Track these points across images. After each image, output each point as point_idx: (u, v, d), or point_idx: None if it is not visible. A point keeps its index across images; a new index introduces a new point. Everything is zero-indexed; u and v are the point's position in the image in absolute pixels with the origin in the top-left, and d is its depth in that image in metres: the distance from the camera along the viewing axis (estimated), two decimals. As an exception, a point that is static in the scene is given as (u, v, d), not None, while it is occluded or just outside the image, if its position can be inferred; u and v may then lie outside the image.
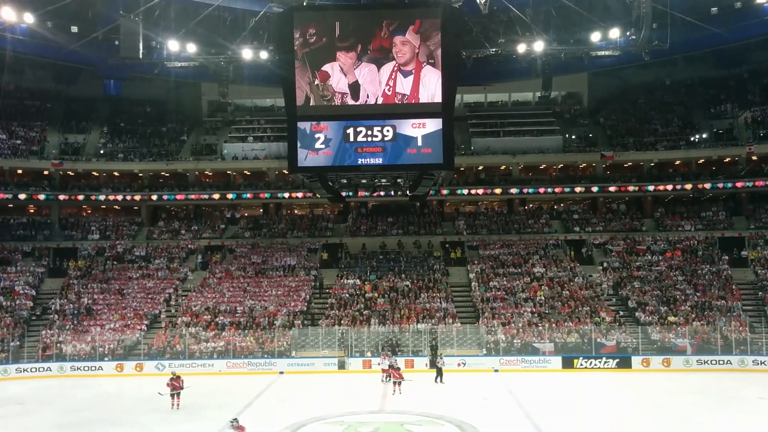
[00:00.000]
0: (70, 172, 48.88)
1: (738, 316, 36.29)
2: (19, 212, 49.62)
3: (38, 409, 26.69)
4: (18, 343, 36.44)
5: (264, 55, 32.94)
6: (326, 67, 23.26)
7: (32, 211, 50.39)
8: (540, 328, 35.74)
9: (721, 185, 45.74)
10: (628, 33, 32.40)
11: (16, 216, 49.01)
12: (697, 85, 52.17)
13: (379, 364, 31.30)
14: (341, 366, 34.22)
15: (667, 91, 53.26)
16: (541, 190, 47.83)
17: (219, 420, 23.60)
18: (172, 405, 25.51)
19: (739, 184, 45.44)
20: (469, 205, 51.59)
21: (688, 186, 46.00)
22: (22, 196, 46.75)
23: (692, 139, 48.28)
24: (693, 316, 36.42)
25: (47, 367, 34.70)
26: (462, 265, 43.70)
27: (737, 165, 46.63)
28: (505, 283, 40.48)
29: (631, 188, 47.18)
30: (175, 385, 25.66)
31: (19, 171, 48.13)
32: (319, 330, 36.07)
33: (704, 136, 48.05)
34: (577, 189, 47.73)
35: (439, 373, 30.46)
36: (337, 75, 23.38)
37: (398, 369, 28.13)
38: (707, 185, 45.73)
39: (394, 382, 27.67)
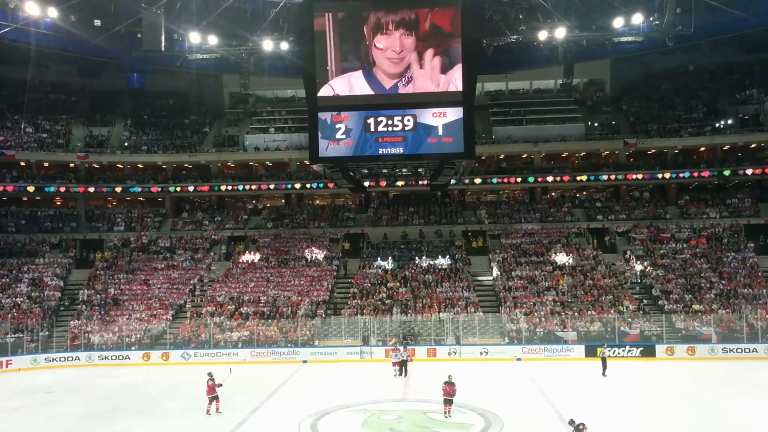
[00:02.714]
0: (95, 165, 49.49)
1: (764, 304, 35.83)
2: (47, 205, 50.48)
3: (67, 397, 27.24)
4: (47, 333, 37.12)
5: (284, 46, 33.03)
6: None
7: (59, 203, 51.22)
8: (563, 316, 35.63)
9: (748, 171, 45.08)
10: (651, 18, 31.97)
11: (44, 208, 49.88)
12: (721, 71, 51.39)
13: (398, 356, 30.25)
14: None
15: (691, 76, 52.54)
16: (564, 178, 47.45)
17: (243, 408, 23.99)
18: (208, 411, 23.64)
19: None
20: (490, 194, 51.46)
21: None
22: (48, 189, 47.54)
23: (717, 125, 47.59)
24: (718, 304, 36.06)
25: (75, 357, 35.33)
26: (484, 254, 43.65)
27: (763, 151, 45.90)
28: (527, 272, 40.36)
29: (654, 176, 46.63)
30: (212, 388, 23.96)
31: (46, 164, 48.99)
32: (342, 319, 36.30)
33: (729, 122, 47.38)
34: (600, 177, 47.30)
35: (604, 364, 29.37)
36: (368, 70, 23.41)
37: (453, 384, 22.60)
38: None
39: (446, 401, 22.41)
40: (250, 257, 43.67)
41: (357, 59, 22.99)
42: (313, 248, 43.50)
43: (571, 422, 17.69)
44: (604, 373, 29.02)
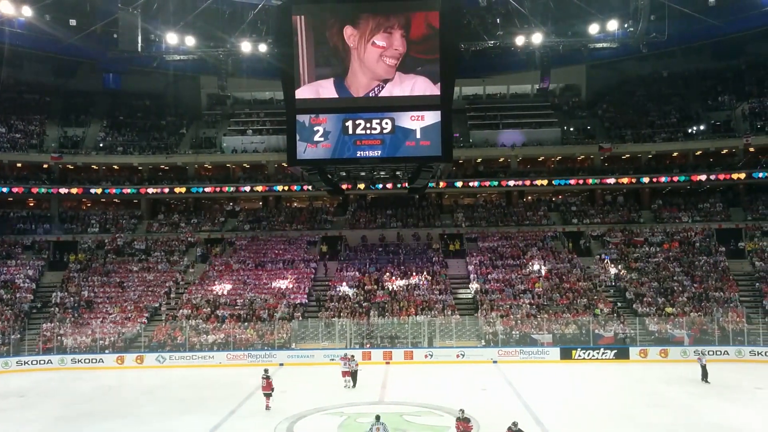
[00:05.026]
0: (69, 166, 48.89)
1: (735, 307, 36.45)
2: (19, 206, 49.70)
3: (39, 401, 26.89)
4: (19, 336, 36.61)
5: (263, 48, 32.89)
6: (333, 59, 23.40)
7: (32, 204, 50.50)
8: (538, 319, 35.91)
9: (721, 176, 45.78)
10: (626, 25, 32.37)
11: (16, 210, 49.09)
12: (694, 77, 52.19)
13: (347, 365, 28.69)
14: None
15: (664, 83, 53.27)
16: (540, 182, 47.86)
17: (219, 412, 23.85)
18: (267, 407, 24.14)
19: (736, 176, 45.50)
20: (467, 197, 51.72)
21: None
22: (21, 190, 46.86)
23: (690, 130, 48.31)
24: (690, 307, 36.60)
25: (48, 360, 34.86)
26: (461, 257, 43.84)
27: (735, 156, 46.71)
28: (503, 275, 40.62)
29: (628, 180, 47.22)
30: (268, 385, 24.41)
31: (19, 164, 48.24)
32: (319, 322, 36.24)
33: (702, 127, 48.10)
34: (576, 181, 47.81)
35: (704, 372, 28.33)
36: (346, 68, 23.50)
37: (466, 420, 19.03)
38: (704, 177, 45.81)
39: None
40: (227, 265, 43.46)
41: (329, 66, 23.10)
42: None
43: (515, 425, 17.33)
44: (706, 380, 28.13)
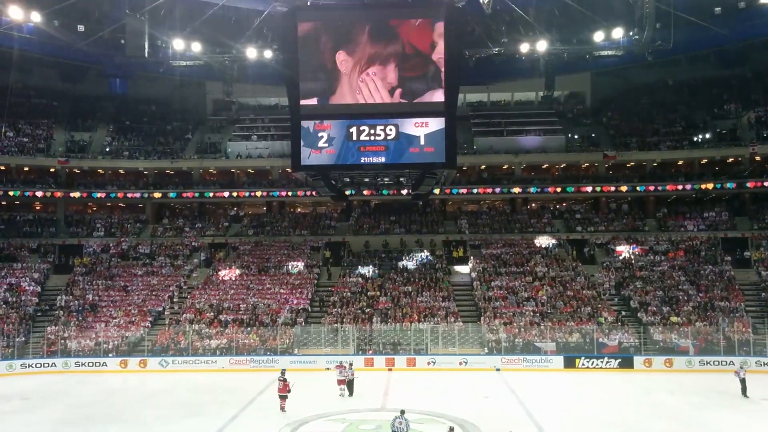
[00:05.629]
0: (76, 170, 49.21)
1: (741, 317, 36.23)
2: (26, 209, 50.03)
3: (43, 404, 26.92)
4: (23, 338, 36.70)
5: (268, 54, 33.15)
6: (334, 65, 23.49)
7: (38, 208, 50.79)
8: (542, 327, 35.81)
9: (732, 185, 45.70)
10: (631, 33, 32.47)
11: (23, 213, 49.43)
12: (700, 85, 52.10)
13: (343, 374, 28.08)
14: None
15: (670, 91, 53.22)
16: (543, 189, 47.84)
17: (221, 417, 23.84)
18: (282, 408, 24.52)
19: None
20: (471, 204, 51.70)
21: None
22: (28, 194, 47.14)
23: (695, 139, 48.21)
24: (695, 316, 36.43)
25: (52, 363, 34.95)
26: (464, 263, 43.80)
27: (740, 165, 46.56)
28: (507, 282, 40.56)
29: (633, 188, 47.14)
30: (285, 387, 24.67)
31: (26, 168, 48.61)
32: (322, 328, 36.24)
33: (707, 136, 47.99)
34: (580, 189, 47.75)
35: (744, 387, 27.35)
36: (346, 74, 23.57)
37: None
38: (710, 185, 45.70)
39: None
40: (231, 268, 43.56)
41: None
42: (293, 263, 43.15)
43: None
44: (746, 394, 27.23)
